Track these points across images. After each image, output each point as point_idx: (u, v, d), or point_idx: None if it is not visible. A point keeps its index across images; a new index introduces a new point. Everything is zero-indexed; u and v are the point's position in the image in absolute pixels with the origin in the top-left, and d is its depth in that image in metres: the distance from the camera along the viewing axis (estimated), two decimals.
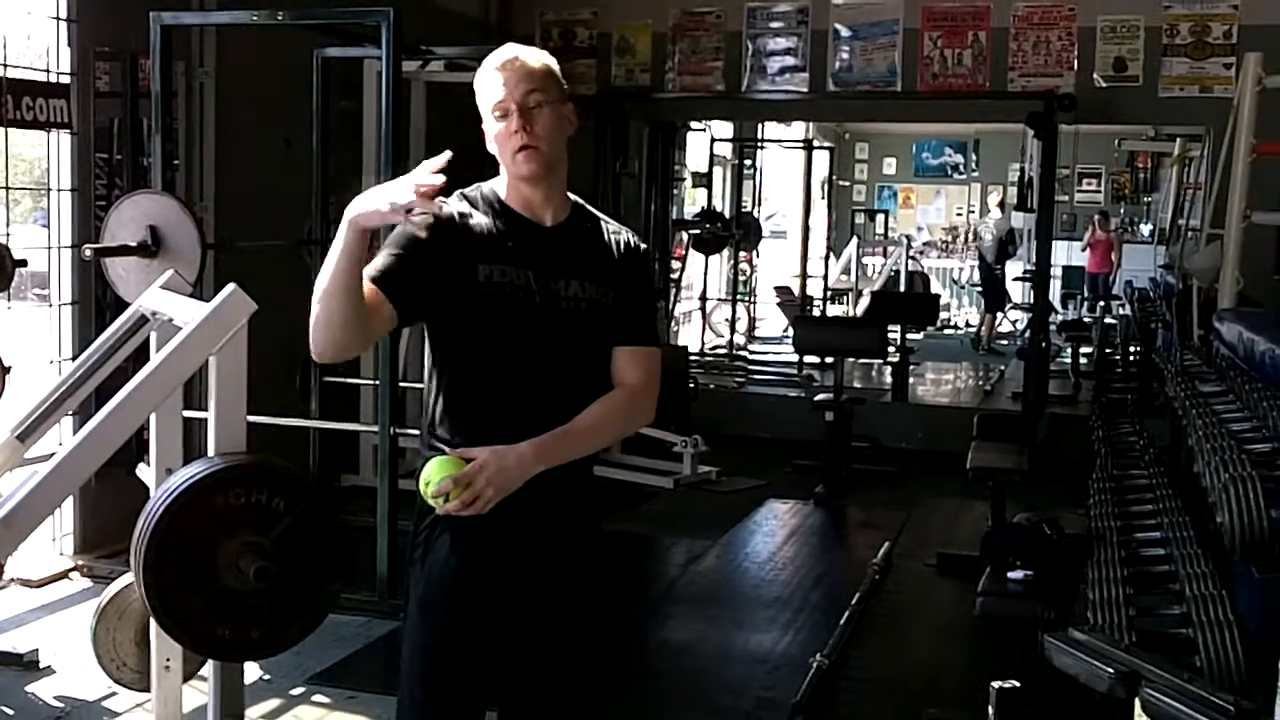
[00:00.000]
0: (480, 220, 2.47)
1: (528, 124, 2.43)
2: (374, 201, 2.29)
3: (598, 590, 2.64)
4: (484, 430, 2.43)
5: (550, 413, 2.45)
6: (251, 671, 4.23)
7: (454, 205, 2.48)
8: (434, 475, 2.37)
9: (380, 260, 2.41)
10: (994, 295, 14.21)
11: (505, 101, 2.43)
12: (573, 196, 2.58)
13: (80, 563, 5.64)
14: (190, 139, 6.29)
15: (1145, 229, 16.93)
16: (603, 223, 2.61)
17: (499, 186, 2.53)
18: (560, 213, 2.53)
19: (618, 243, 2.58)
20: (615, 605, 5.45)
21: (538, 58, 2.49)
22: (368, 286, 2.36)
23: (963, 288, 17.57)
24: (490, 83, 2.45)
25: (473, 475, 2.36)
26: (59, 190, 5.71)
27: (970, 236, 16.81)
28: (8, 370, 4.62)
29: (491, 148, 2.49)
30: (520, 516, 2.43)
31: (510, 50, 2.48)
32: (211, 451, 3.06)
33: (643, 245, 2.65)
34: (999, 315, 14.65)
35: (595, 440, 2.53)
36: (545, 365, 2.46)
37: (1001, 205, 14.51)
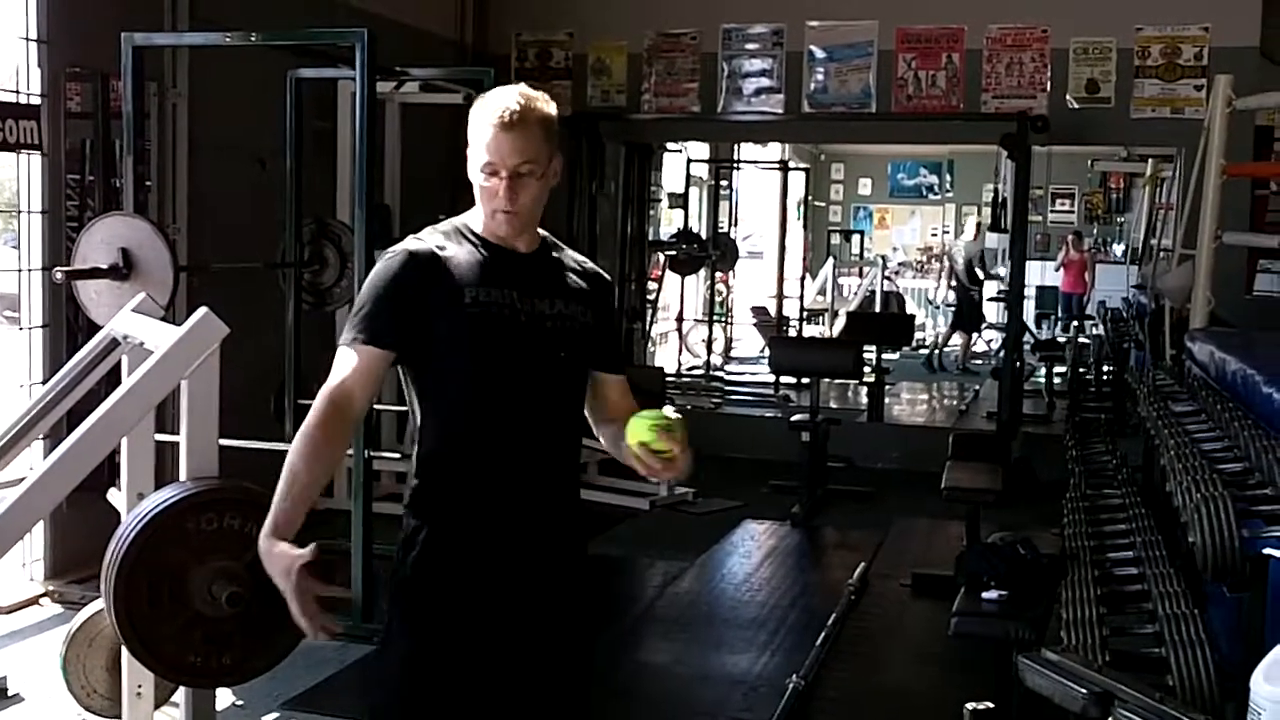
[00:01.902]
0: (457, 251, 2.50)
1: (514, 192, 2.45)
2: (279, 580, 2.30)
3: (586, 614, 2.66)
4: (480, 448, 2.46)
5: (541, 427, 2.50)
6: (224, 697, 4.19)
7: (430, 240, 2.51)
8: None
9: (368, 323, 2.44)
10: (970, 316, 14.23)
11: (496, 165, 2.44)
12: (539, 230, 2.61)
13: (51, 588, 5.59)
14: (163, 160, 6.26)
15: (1118, 249, 17.03)
16: (568, 252, 2.67)
17: (472, 220, 2.55)
18: (532, 244, 2.58)
19: (586, 271, 2.65)
20: (592, 627, 5.43)
21: (538, 116, 2.45)
22: (364, 350, 2.42)
23: (938, 308, 17.63)
24: (485, 137, 2.44)
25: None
26: (29, 212, 5.67)
27: (944, 259, 16.83)
28: None
29: (472, 177, 2.49)
30: (515, 541, 2.47)
31: (513, 102, 2.43)
32: (183, 476, 3.04)
33: (607, 276, 2.73)
34: (974, 335, 14.69)
35: None
36: (535, 380, 2.49)
37: (978, 226, 14.56)
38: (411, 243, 2.52)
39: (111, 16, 5.51)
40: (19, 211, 5.73)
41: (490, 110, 2.44)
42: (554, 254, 2.61)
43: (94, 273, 4.71)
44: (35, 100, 5.57)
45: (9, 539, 3.14)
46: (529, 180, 2.45)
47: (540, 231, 2.61)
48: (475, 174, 2.48)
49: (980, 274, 13.84)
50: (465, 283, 2.45)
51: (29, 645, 5.06)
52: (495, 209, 2.47)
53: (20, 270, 5.71)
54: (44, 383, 5.12)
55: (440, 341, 2.45)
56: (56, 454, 3.10)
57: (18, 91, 5.56)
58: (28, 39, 5.58)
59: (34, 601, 5.52)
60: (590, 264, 2.68)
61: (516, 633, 2.49)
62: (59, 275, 4.75)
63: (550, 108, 2.50)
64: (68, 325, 5.64)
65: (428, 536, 2.48)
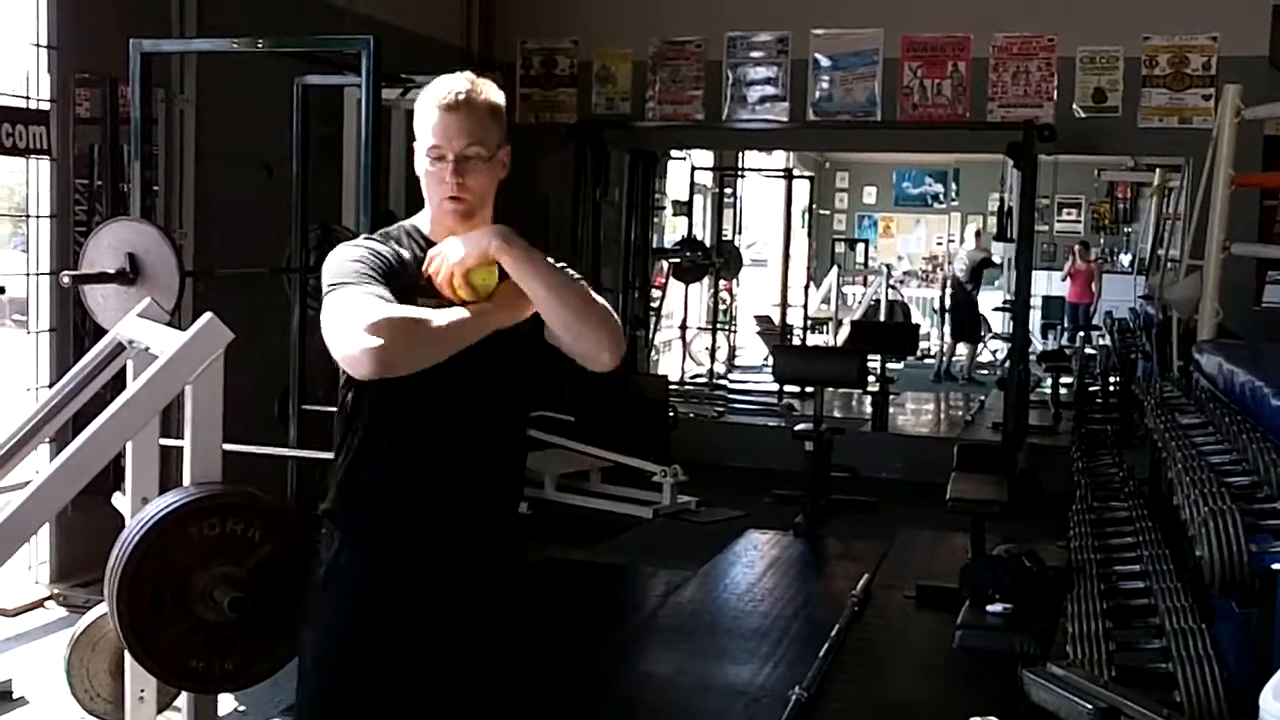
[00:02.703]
0: (407, 256, 2.44)
1: (461, 176, 2.39)
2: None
3: (526, 637, 2.63)
4: (413, 466, 2.44)
5: (469, 444, 2.44)
6: (226, 703, 4.19)
7: (379, 245, 2.45)
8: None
9: (366, 275, 2.34)
10: (969, 326, 14.21)
11: (442, 149, 2.39)
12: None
13: (55, 591, 5.59)
14: (170, 166, 6.27)
15: (1125, 259, 16.99)
16: None
17: (421, 221, 2.51)
18: None
19: None
20: (594, 636, 5.43)
21: (485, 100, 2.42)
22: (379, 289, 2.32)
23: (943, 317, 17.61)
24: (430, 120, 2.40)
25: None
26: (38, 216, 5.69)
27: (947, 267, 16.83)
28: None
29: (419, 168, 2.45)
30: (431, 561, 2.45)
31: (459, 85, 2.40)
32: (187, 481, 3.03)
33: (572, 272, 2.59)
34: (979, 345, 14.67)
35: (572, 292, 2.41)
36: (464, 397, 2.42)
37: (978, 235, 14.56)
38: (373, 242, 2.46)
39: (120, 23, 5.52)
40: (28, 216, 5.75)
41: (435, 94, 2.41)
42: None
43: (101, 277, 4.71)
44: (44, 106, 5.59)
45: (15, 542, 3.13)
46: (476, 164, 2.40)
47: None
48: (421, 162, 2.43)
49: (988, 276, 13.86)
50: (402, 290, 2.35)
51: (33, 648, 5.06)
52: (442, 197, 2.41)
53: (29, 274, 5.72)
54: (50, 386, 5.12)
55: None
56: (62, 457, 3.09)
57: (27, 97, 5.58)
58: (37, 45, 5.59)
59: (39, 605, 5.52)
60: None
61: (422, 649, 2.46)
62: (66, 279, 4.75)
63: (498, 95, 2.45)
64: (75, 329, 5.64)
65: (340, 550, 2.46)
